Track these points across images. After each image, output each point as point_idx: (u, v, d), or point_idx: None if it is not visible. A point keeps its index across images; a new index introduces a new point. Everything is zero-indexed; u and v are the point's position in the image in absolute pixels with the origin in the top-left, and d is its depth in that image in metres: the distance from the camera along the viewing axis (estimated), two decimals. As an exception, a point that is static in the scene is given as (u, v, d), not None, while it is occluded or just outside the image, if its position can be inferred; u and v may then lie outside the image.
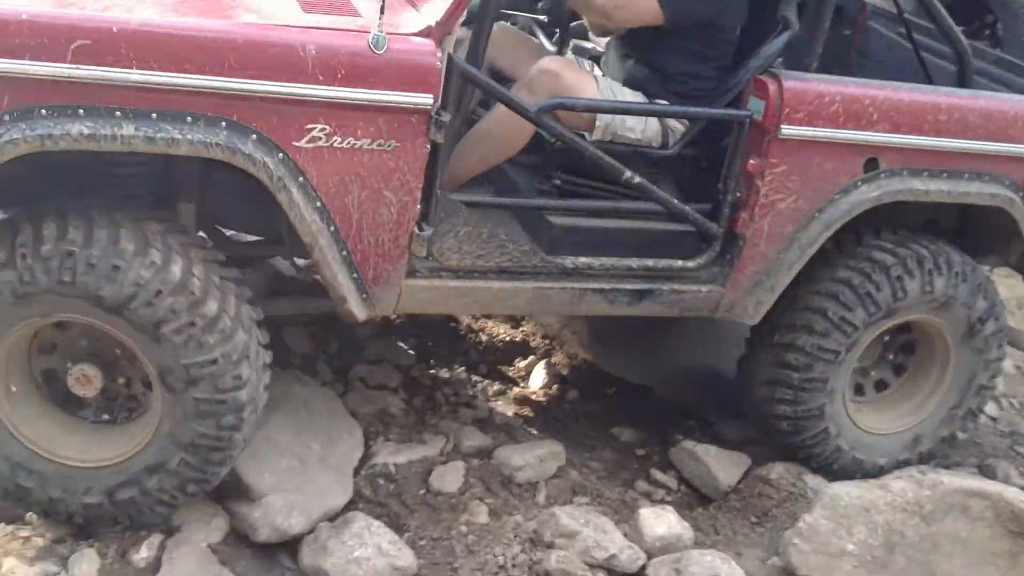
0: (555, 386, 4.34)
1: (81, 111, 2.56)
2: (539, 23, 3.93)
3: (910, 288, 3.51)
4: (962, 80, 3.59)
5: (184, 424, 2.87)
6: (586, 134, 3.31)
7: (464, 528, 3.32)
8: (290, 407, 3.47)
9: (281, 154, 2.74)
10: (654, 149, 3.41)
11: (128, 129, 2.58)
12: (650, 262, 3.32)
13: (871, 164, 3.36)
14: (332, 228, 2.88)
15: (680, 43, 3.38)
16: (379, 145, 2.84)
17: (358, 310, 3.02)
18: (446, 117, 2.86)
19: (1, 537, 2.98)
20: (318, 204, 2.83)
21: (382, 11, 2.73)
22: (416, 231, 2.98)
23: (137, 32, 2.57)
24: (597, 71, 3.68)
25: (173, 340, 2.75)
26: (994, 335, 3.72)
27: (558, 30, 3.86)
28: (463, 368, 4.34)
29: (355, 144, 2.81)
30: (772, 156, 3.26)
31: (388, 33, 2.77)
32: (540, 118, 3.05)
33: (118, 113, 2.58)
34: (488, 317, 4.68)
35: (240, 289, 2.93)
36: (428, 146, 2.88)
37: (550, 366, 4.43)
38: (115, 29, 2.56)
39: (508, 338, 4.63)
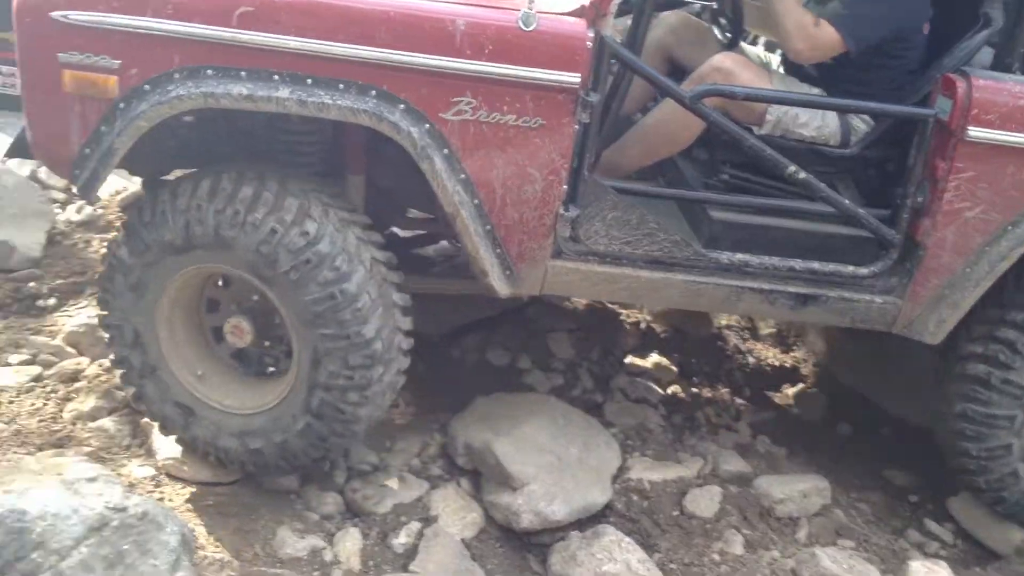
0: (825, 418, 4.13)
1: (243, 73, 2.74)
2: (718, 17, 3.80)
3: None
4: None
5: (311, 393, 3.00)
6: (755, 128, 3.18)
7: (717, 557, 3.23)
8: (548, 414, 3.52)
9: (427, 125, 2.82)
10: (832, 148, 3.23)
11: (283, 92, 2.75)
12: (816, 265, 3.14)
13: None
14: (476, 201, 2.92)
15: (862, 58, 3.19)
16: (525, 122, 2.86)
17: (500, 285, 3.04)
18: (594, 98, 2.84)
19: (274, 508, 3.17)
20: (462, 176, 2.88)
21: None
22: (561, 211, 2.97)
23: (296, 2, 2.75)
24: (776, 66, 3.52)
25: (312, 309, 2.89)
26: None
27: (731, 32, 3.72)
28: (727, 389, 4.22)
29: (501, 119, 2.85)
30: (958, 160, 2.99)
31: (540, 12, 2.80)
32: (695, 105, 2.96)
33: (276, 77, 2.75)
34: (756, 338, 4.54)
35: (389, 272, 3.01)
36: (575, 126, 2.87)
37: (821, 396, 4.22)
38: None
39: (777, 362, 4.48)
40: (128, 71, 2.75)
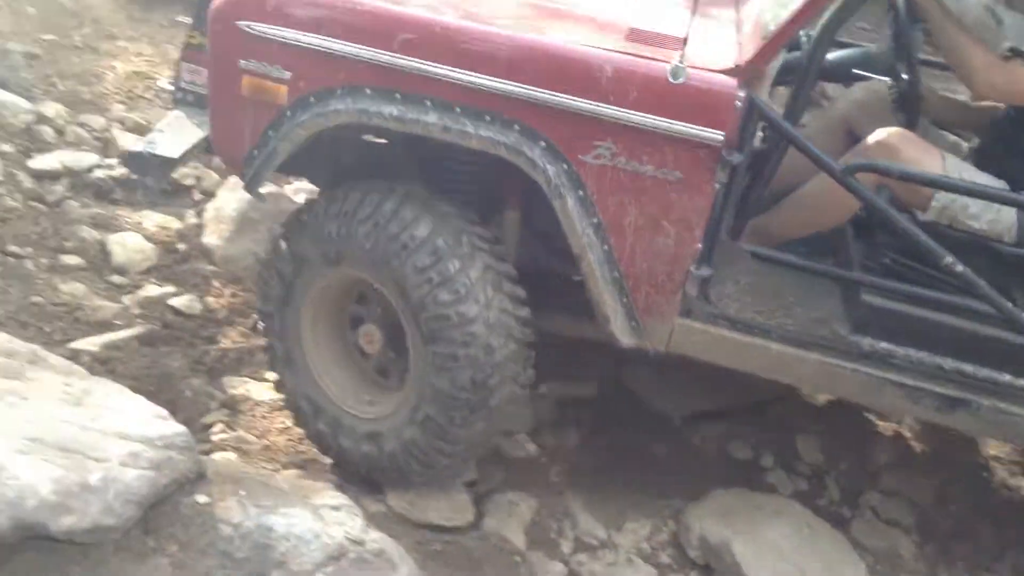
0: None
1: (398, 95, 2.87)
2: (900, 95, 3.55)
3: None
4: None
5: (418, 406, 3.09)
6: (919, 213, 2.96)
7: None
8: (792, 520, 3.42)
9: (565, 164, 2.83)
10: (1006, 245, 2.96)
11: (431, 117, 2.85)
12: (968, 367, 2.88)
13: None
14: (606, 247, 2.90)
15: None
16: (663, 174, 2.81)
17: (623, 335, 3.00)
18: (736, 158, 2.76)
19: (497, 567, 3.20)
20: (595, 220, 2.88)
21: (685, 43, 2.72)
22: (692, 269, 2.90)
23: (454, 32, 2.85)
24: (954, 154, 3.25)
25: (429, 326, 2.98)
26: None
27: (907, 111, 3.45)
28: (989, 526, 3.77)
29: (639, 168, 2.82)
30: None
31: (692, 66, 2.75)
32: (846, 179, 2.80)
33: (427, 103, 2.86)
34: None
35: (514, 304, 3.05)
36: (715, 185, 2.80)
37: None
38: (437, 28, 2.85)
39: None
40: (297, 82, 2.95)
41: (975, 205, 2.94)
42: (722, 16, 3.24)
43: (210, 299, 4.18)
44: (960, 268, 2.79)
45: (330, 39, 2.89)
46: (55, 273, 4.08)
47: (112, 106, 5.21)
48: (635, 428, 3.87)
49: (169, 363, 3.68)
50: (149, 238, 4.41)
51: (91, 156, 4.75)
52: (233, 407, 3.64)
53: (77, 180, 4.63)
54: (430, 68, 2.84)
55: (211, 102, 3.15)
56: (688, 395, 3.96)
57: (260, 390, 3.64)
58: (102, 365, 3.52)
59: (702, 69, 2.77)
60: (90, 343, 3.66)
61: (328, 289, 3.21)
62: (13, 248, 4.09)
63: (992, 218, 2.95)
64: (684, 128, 2.75)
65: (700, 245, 2.87)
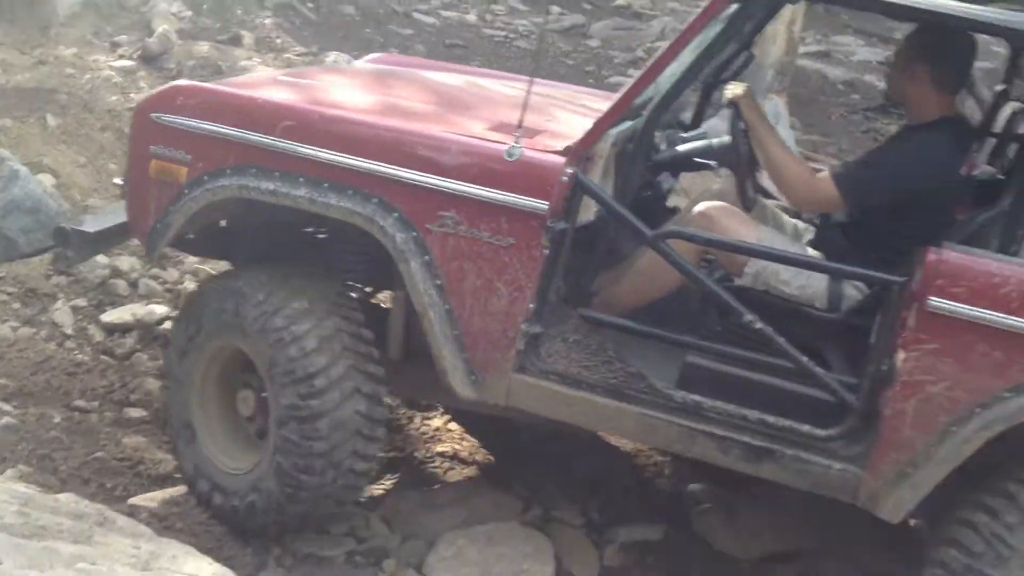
0: None
1: (276, 173, 3.33)
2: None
3: None
4: None
5: (272, 456, 3.40)
6: (736, 279, 3.30)
7: None
8: None
9: (414, 232, 3.24)
10: (815, 310, 3.26)
11: (301, 191, 3.29)
12: (770, 419, 3.12)
13: None
14: (447, 306, 3.25)
15: (883, 226, 3.28)
16: (498, 240, 3.20)
17: (462, 389, 3.30)
18: (560, 226, 3.15)
19: None
20: (437, 282, 3.25)
21: (519, 125, 3.17)
22: (523, 327, 3.22)
23: (327, 120, 3.34)
24: (775, 224, 3.61)
25: (279, 381, 3.34)
26: None
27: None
28: None
29: (478, 235, 3.21)
30: (921, 330, 2.95)
31: (529, 148, 3.20)
32: (656, 244, 3.17)
33: (301, 179, 3.31)
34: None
35: (367, 365, 3.40)
36: (544, 250, 3.18)
37: None
38: (314, 116, 3.35)
39: None
40: (196, 164, 3.43)
41: (786, 272, 3.27)
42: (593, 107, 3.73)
43: None
44: (759, 325, 3.10)
45: (224, 126, 3.39)
46: (119, 427, 4.16)
47: (186, 258, 5.27)
48: (704, 572, 3.84)
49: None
50: None
51: (162, 308, 4.89)
52: (293, 557, 3.65)
53: (147, 332, 4.73)
54: (304, 150, 3.31)
55: (128, 185, 3.64)
56: (757, 536, 3.92)
57: (322, 543, 3.69)
58: (160, 522, 3.56)
59: (537, 150, 3.22)
60: (150, 499, 3.71)
61: (221, 351, 3.56)
62: (79, 403, 4.21)
63: (802, 284, 3.27)
64: (516, 199, 3.17)
65: (532, 305, 3.22)
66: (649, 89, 3.24)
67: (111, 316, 4.78)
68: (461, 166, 3.22)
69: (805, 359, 3.10)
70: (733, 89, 3.42)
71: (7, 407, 4.00)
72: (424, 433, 4.43)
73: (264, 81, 4.10)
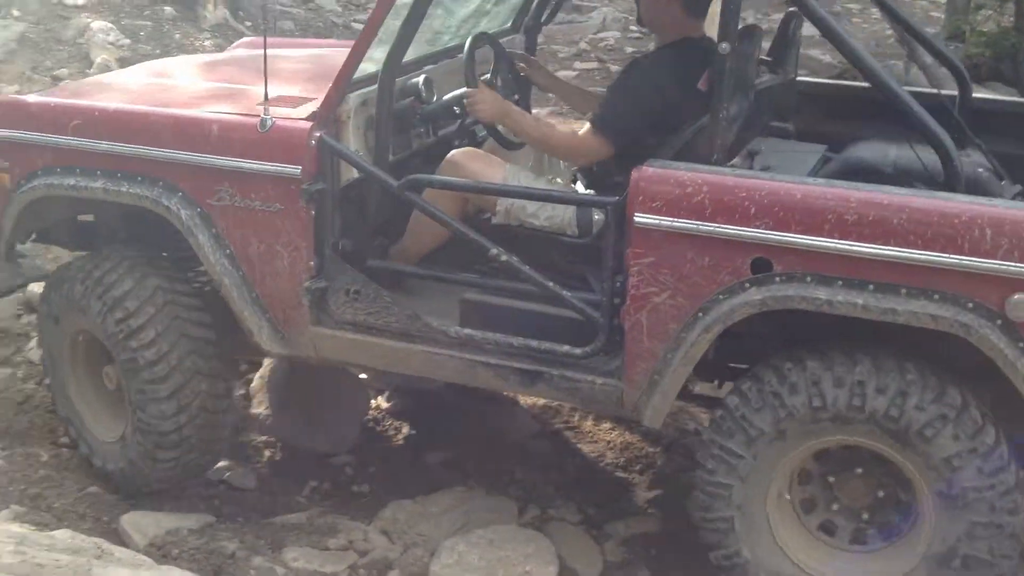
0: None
1: (78, 170, 3.63)
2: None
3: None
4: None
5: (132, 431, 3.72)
6: (493, 218, 3.46)
7: None
8: None
9: (198, 208, 3.51)
10: (569, 237, 3.40)
11: (98, 183, 3.60)
12: (534, 343, 3.31)
13: (761, 264, 2.96)
14: (240, 272, 3.53)
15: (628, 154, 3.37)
16: (268, 206, 3.45)
17: (270, 345, 3.61)
18: (315, 187, 3.36)
19: None
20: (228, 251, 3.53)
21: (266, 98, 3.37)
22: (306, 284, 3.48)
23: (109, 114, 3.62)
24: (516, 163, 3.72)
25: (125, 368, 3.64)
26: None
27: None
28: None
29: (251, 205, 3.47)
30: (636, 246, 3.08)
31: (279, 118, 3.40)
32: (401, 193, 3.35)
33: (98, 172, 3.60)
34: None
35: (207, 346, 3.68)
36: (311, 211, 3.40)
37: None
38: (96, 112, 3.62)
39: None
40: (14, 169, 3.77)
41: (532, 206, 3.42)
42: None
43: (264, 471, 4.29)
44: (504, 258, 3.28)
45: (27, 132, 3.71)
46: None
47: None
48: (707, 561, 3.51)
49: (226, 544, 3.64)
50: None
51: None
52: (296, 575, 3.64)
53: None
54: (94, 145, 3.60)
55: None
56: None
57: (324, 559, 3.63)
58: (158, 550, 3.56)
59: (287, 119, 3.42)
60: (145, 528, 3.70)
61: (79, 337, 3.93)
62: (65, 439, 4.24)
63: (549, 214, 3.41)
64: (273, 167, 3.41)
65: (312, 262, 3.47)
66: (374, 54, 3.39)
67: None
68: (224, 142, 3.46)
69: (550, 283, 3.27)
70: (476, 107, 3.52)
71: None
72: (411, 441, 4.51)
73: (79, 85, 4.38)
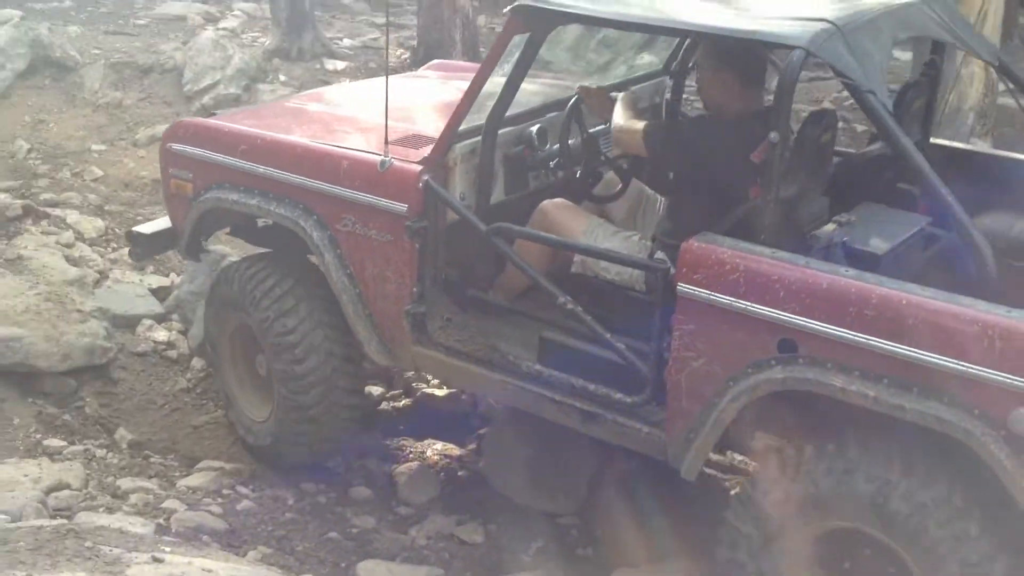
0: None
1: (242, 188, 4.22)
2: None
3: None
4: None
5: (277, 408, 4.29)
6: (574, 266, 3.75)
7: None
8: None
9: (328, 232, 4.02)
10: (636, 292, 3.62)
11: (253, 200, 4.19)
12: (591, 386, 3.58)
13: (787, 345, 3.08)
14: (357, 290, 4.02)
15: (686, 197, 3.55)
16: (382, 236, 3.91)
17: (378, 357, 4.09)
18: (416, 224, 3.78)
19: None
20: (348, 271, 4.02)
21: (386, 142, 3.81)
22: (407, 308, 3.91)
23: (267, 142, 4.19)
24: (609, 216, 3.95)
25: (271, 351, 4.24)
26: None
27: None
28: None
29: (369, 233, 3.94)
30: (679, 312, 3.28)
31: (397, 158, 3.84)
32: (489, 238, 3.69)
33: (255, 191, 4.18)
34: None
35: (343, 347, 4.23)
36: (415, 244, 3.82)
37: None
38: (258, 140, 4.21)
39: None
40: (196, 182, 4.42)
41: (605, 262, 3.68)
42: None
43: (492, 526, 4.39)
44: (570, 307, 3.56)
45: (207, 151, 4.34)
46: (346, 506, 4.44)
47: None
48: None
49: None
50: (432, 466, 4.76)
51: (377, 388, 5.24)
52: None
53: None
54: (258, 169, 4.18)
55: (164, 200, 4.71)
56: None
57: None
58: None
59: (403, 161, 3.85)
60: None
61: (237, 328, 4.56)
62: (308, 485, 4.51)
63: (619, 269, 3.65)
64: (387, 204, 3.86)
65: (415, 289, 3.89)
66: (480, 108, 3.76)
67: None
68: (351, 176, 3.94)
69: (607, 334, 3.52)
70: (589, 100, 3.89)
71: (245, 490, 4.40)
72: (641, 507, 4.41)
73: (257, 110, 5.00)
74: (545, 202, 3.94)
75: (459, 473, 4.72)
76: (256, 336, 4.38)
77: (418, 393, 5.23)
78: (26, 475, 4.03)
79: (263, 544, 3.99)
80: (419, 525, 4.37)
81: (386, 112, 3.80)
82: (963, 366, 2.83)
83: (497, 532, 4.35)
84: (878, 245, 3.38)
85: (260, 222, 4.63)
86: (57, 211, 6.28)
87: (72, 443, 4.52)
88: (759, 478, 3.28)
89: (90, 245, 6.02)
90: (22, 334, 4.77)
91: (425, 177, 3.79)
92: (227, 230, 4.92)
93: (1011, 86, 3.91)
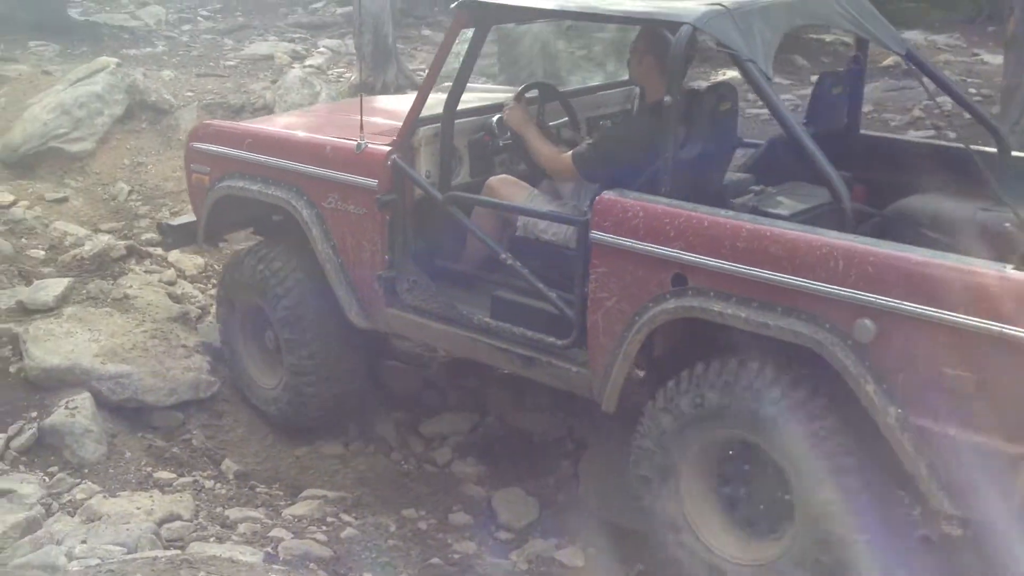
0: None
1: (248, 176, 4.84)
2: None
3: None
4: None
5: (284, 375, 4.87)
6: (517, 230, 4.25)
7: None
8: None
9: (316, 210, 4.61)
10: (569, 249, 4.09)
11: (255, 186, 4.79)
12: (530, 333, 4.05)
13: (680, 279, 3.53)
14: (340, 260, 4.58)
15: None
16: (358, 210, 4.48)
17: (357, 320, 4.63)
18: (385, 198, 4.33)
19: None
20: (332, 243, 4.59)
21: (361, 128, 4.39)
22: (380, 274, 4.44)
23: (270, 136, 4.82)
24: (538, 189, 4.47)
25: (282, 335, 4.83)
26: None
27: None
28: None
29: (348, 208, 4.51)
30: (595, 257, 3.75)
31: (372, 143, 4.41)
32: (444, 204, 4.22)
33: (258, 178, 4.80)
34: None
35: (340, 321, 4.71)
36: (386, 216, 4.37)
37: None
38: (262, 135, 4.82)
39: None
40: (213, 174, 5.06)
41: (543, 223, 4.17)
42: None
43: (591, 550, 4.44)
44: (509, 261, 4.06)
45: (220, 147, 4.99)
46: (447, 532, 4.55)
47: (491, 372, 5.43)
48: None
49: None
50: (529, 491, 4.83)
51: (472, 417, 5.37)
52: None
53: (462, 441, 5.19)
54: (260, 158, 4.81)
55: (189, 194, 5.37)
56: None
57: None
58: None
59: (376, 145, 4.42)
60: None
61: (248, 305, 5.15)
62: (408, 511, 4.65)
63: (555, 231, 4.14)
64: (360, 180, 4.43)
65: (387, 256, 4.43)
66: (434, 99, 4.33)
67: (429, 427, 5.34)
68: (333, 159, 4.53)
69: (540, 284, 4.00)
70: (506, 112, 4.40)
71: (348, 518, 4.53)
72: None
73: (273, 116, 5.76)
74: (492, 178, 4.47)
75: (557, 497, 4.84)
76: (266, 313, 4.96)
77: (510, 419, 5.39)
78: (139, 507, 4.23)
79: (367, 571, 4.12)
80: (519, 550, 4.47)
81: (360, 102, 4.41)
82: (813, 284, 3.25)
83: (597, 555, 4.43)
84: (783, 209, 3.82)
85: (275, 217, 5.26)
86: (158, 250, 6.52)
87: (181, 475, 4.71)
88: (658, 395, 3.71)
89: (191, 282, 6.35)
90: (131, 371, 5.00)
91: (393, 156, 4.36)
92: (251, 229, 5.56)
93: (924, 77, 4.32)
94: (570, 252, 4.13)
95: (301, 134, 4.79)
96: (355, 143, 4.46)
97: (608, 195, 3.75)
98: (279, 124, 5.10)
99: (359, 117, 4.44)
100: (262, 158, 4.80)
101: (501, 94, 4.96)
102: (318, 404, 4.98)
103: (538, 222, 4.22)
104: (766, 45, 3.69)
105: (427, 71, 4.29)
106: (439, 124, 4.39)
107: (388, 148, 4.39)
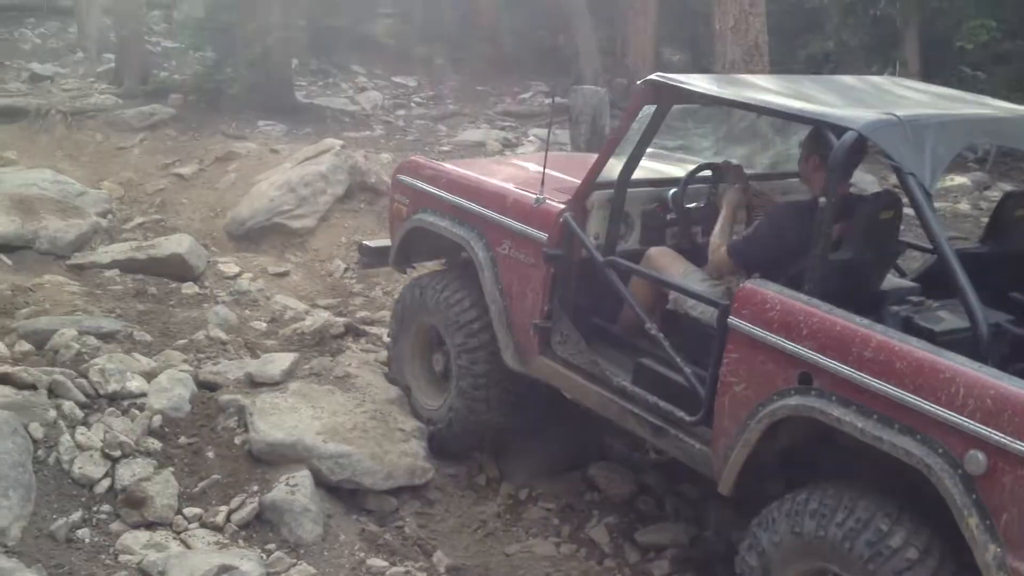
0: None
1: (438, 212, 5.19)
2: None
3: None
4: None
5: (453, 396, 5.18)
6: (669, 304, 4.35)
7: None
8: None
9: (491, 253, 4.88)
10: (712, 329, 4.14)
11: (444, 222, 5.13)
12: (663, 403, 4.14)
13: (806, 378, 3.54)
14: (504, 303, 4.82)
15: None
16: (527, 259, 4.72)
17: (511, 362, 4.85)
18: (551, 252, 4.55)
19: None
20: (499, 286, 4.85)
21: (542, 183, 4.62)
22: (536, 323, 4.65)
23: (460, 177, 5.15)
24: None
25: (457, 362, 5.13)
26: None
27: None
28: None
29: (517, 255, 4.77)
30: (730, 342, 3.82)
31: (549, 199, 4.64)
32: (601, 268, 4.38)
33: (448, 215, 5.13)
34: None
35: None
36: (550, 269, 4.58)
37: None
38: (454, 175, 5.15)
39: None
40: (411, 206, 5.45)
41: (691, 300, 4.25)
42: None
43: None
44: (653, 332, 4.17)
45: (419, 182, 5.37)
46: None
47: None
48: None
49: None
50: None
51: (691, 529, 5.08)
52: None
53: (679, 554, 4.91)
54: (444, 195, 5.17)
55: (388, 222, 5.78)
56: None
57: None
58: None
59: (552, 200, 4.65)
60: None
61: (420, 329, 5.49)
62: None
63: (703, 310, 4.20)
64: (532, 232, 4.68)
65: (546, 307, 4.64)
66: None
67: (646, 536, 5.06)
68: (512, 209, 4.80)
69: (678, 358, 4.09)
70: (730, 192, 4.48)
71: None
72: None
73: (473, 160, 6.11)
74: (652, 248, 4.61)
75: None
76: (442, 336, 5.27)
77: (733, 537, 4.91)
78: (355, 596, 4.30)
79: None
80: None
81: (544, 160, 4.67)
82: (931, 407, 3.21)
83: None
84: (936, 324, 3.76)
85: (463, 254, 5.58)
86: (373, 329, 6.65)
87: (393, 563, 4.66)
88: (763, 516, 3.75)
89: (406, 363, 6.62)
90: (351, 451, 4.97)
91: (566, 215, 4.58)
92: (442, 260, 5.92)
93: None
94: (712, 332, 4.23)
95: (489, 181, 5.10)
96: (535, 197, 4.71)
97: (750, 284, 3.82)
98: (476, 168, 5.44)
99: (551, 172, 4.71)
100: (452, 198, 5.14)
101: (678, 165, 5.08)
102: (476, 432, 5.25)
103: (688, 299, 4.32)
104: (935, 159, 3.66)
105: (607, 138, 4.49)
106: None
107: (563, 206, 4.62)
